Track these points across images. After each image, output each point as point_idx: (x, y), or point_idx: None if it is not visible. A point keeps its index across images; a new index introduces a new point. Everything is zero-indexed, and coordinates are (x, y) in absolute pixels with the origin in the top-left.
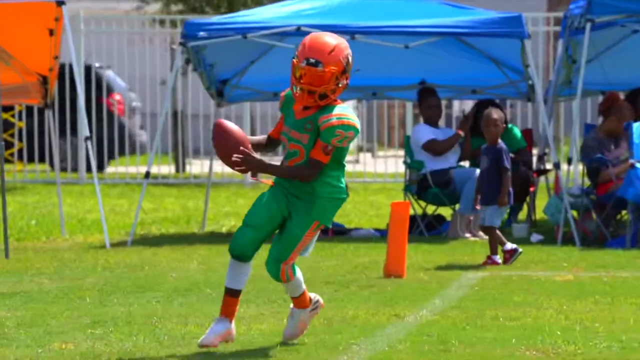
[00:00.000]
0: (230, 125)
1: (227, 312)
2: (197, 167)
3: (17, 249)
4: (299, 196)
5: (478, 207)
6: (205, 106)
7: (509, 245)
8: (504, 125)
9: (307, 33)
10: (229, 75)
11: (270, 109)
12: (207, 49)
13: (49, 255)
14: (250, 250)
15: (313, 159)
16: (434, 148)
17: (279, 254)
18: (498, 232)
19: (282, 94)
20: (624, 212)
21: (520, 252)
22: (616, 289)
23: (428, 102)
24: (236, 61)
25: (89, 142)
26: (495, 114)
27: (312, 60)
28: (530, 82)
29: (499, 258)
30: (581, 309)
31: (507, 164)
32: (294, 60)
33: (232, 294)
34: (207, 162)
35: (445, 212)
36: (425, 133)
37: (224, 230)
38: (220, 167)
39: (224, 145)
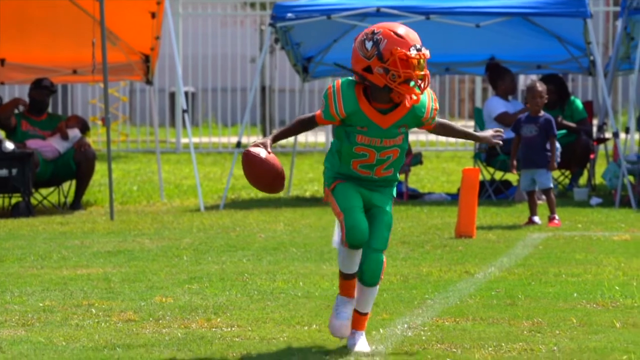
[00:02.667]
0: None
1: (350, 292)
2: None
3: (120, 212)
4: (385, 184)
5: (514, 172)
6: (291, 81)
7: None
8: (546, 97)
9: (387, 14)
10: (314, 52)
11: None
12: (294, 29)
13: (150, 218)
14: (368, 234)
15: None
16: (506, 120)
17: (380, 244)
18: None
19: (338, 111)
20: None
21: (539, 223)
22: None
23: (503, 77)
24: (320, 40)
25: (186, 115)
26: (540, 86)
27: (420, 46)
28: (591, 57)
29: (538, 219)
30: (638, 266)
31: (555, 132)
32: (406, 53)
33: (350, 277)
34: None
35: (512, 177)
36: (498, 106)
37: (307, 194)
38: (304, 137)
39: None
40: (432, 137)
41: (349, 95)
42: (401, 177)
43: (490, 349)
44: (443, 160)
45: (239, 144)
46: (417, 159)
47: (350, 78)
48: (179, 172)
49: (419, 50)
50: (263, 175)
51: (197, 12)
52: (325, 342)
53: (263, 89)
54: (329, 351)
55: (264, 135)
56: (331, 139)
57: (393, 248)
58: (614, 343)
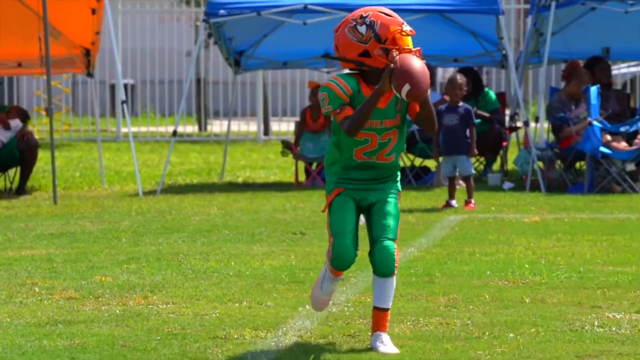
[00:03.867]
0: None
1: (339, 274)
2: (217, 126)
3: (63, 197)
4: (387, 177)
5: (437, 159)
6: (224, 74)
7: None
8: (466, 89)
9: (314, 11)
10: (245, 47)
11: (280, 76)
12: (226, 25)
13: (91, 202)
14: (353, 261)
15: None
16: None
17: (386, 233)
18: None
19: (345, 90)
20: (582, 162)
21: (455, 206)
22: (575, 228)
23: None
24: (251, 35)
25: (125, 105)
26: (460, 79)
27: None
28: (503, 52)
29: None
30: (546, 246)
31: (475, 121)
32: (402, 29)
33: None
34: (225, 122)
35: (431, 163)
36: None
37: (239, 180)
38: (237, 127)
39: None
40: None
41: (348, 79)
42: None
43: (409, 323)
44: None
45: (174, 133)
46: None
47: (342, 73)
48: (119, 160)
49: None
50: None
51: (135, 9)
52: (254, 318)
53: (198, 81)
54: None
55: (199, 124)
56: (262, 128)
57: (319, 229)
58: (523, 317)
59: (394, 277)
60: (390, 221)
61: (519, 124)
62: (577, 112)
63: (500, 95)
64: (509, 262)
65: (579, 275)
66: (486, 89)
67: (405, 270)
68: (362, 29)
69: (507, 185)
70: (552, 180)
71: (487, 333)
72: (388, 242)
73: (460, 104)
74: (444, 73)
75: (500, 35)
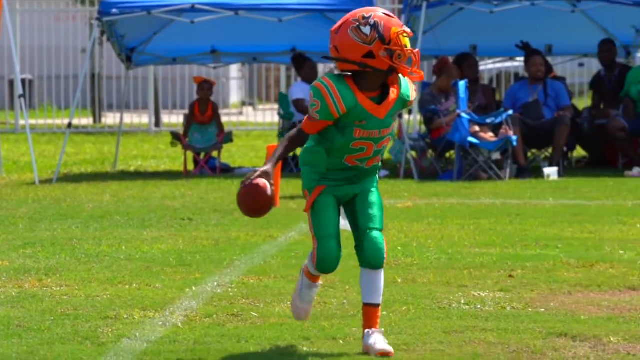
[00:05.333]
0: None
1: (316, 280)
2: (110, 118)
3: None
4: (369, 173)
5: None
6: (117, 69)
7: None
8: None
9: (201, 10)
10: (136, 44)
11: (170, 72)
12: (118, 23)
13: None
14: (337, 264)
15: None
16: (299, 106)
17: (377, 222)
18: None
19: (339, 108)
20: (452, 152)
21: None
22: (445, 212)
23: (308, 65)
24: (142, 32)
25: (22, 99)
26: None
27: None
28: None
29: None
30: (417, 229)
31: None
32: (404, 31)
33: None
34: (118, 115)
35: None
36: (298, 91)
37: (132, 169)
38: (129, 119)
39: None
40: (243, 117)
41: (345, 89)
42: (214, 153)
43: (289, 302)
44: (252, 139)
45: (70, 125)
46: (228, 137)
47: (332, 73)
48: (17, 150)
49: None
50: (262, 208)
51: (33, 9)
52: (143, 299)
53: (93, 75)
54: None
55: (94, 117)
56: (153, 120)
57: (206, 215)
58: (396, 296)
59: (383, 270)
60: (376, 211)
61: None
62: (447, 105)
63: None
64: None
65: (448, 257)
66: None
67: (287, 253)
68: (367, 29)
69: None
70: (424, 169)
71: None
72: (376, 233)
73: None
74: (324, 69)
75: None
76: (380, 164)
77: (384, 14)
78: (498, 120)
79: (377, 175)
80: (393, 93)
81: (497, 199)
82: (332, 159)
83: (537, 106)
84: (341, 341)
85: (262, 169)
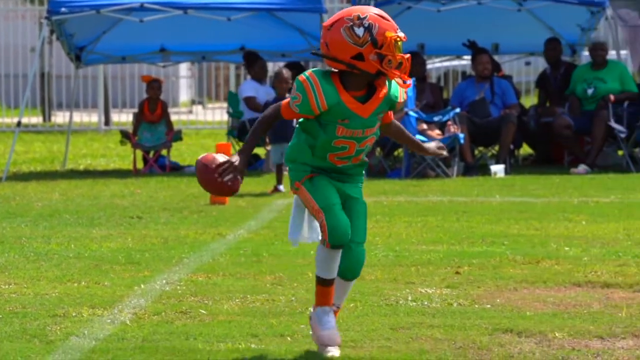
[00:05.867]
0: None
1: (329, 300)
2: (60, 117)
3: None
4: (355, 170)
5: (268, 148)
6: (67, 68)
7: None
8: (292, 82)
9: (150, 9)
10: (86, 42)
11: (119, 70)
12: (67, 22)
13: None
14: (350, 232)
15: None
16: (250, 103)
17: (361, 236)
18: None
19: (320, 104)
20: (399, 150)
21: (282, 191)
22: (393, 210)
23: (259, 63)
24: (91, 31)
25: None
26: (286, 73)
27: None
28: None
29: (283, 187)
30: (370, 226)
31: None
32: (398, 36)
33: (329, 283)
34: (68, 113)
35: (261, 151)
36: (248, 89)
37: (81, 168)
38: (79, 117)
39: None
40: (192, 116)
41: (328, 86)
42: (164, 152)
43: (237, 300)
44: (201, 137)
45: (19, 124)
46: (177, 136)
47: (317, 68)
48: None
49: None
50: (221, 191)
51: None
52: (92, 297)
53: (42, 74)
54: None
55: (44, 115)
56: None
57: (155, 213)
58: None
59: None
60: (362, 222)
61: None
62: None
63: None
64: None
65: (395, 254)
66: None
67: (235, 251)
68: (360, 31)
69: None
70: (373, 167)
71: (309, 308)
72: (360, 249)
73: (287, 95)
74: (274, 67)
75: None
76: (367, 162)
77: (380, 16)
78: (445, 119)
79: (363, 176)
80: (380, 93)
81: (445, 196)
82: (316, 157)
83: (484, 104)
84: (289, 338)
85: (236, 162)
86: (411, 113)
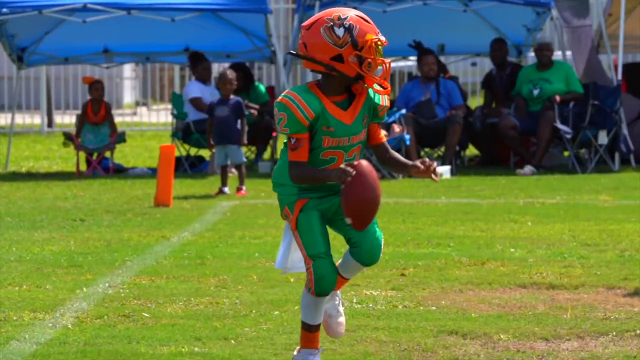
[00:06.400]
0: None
1: (315, 344)
2: (2, 119)
3: None
4: None
5: (212, 150)
6: (9, 69)
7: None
8: (236, 83)
9: (93, 10)
10: (28, 43)
11: (62, 71)
12: (9, 22)
13: None
14: (336, 281)
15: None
16: (197, 104)
17: (375, 222)
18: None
19: (307, 114)
20: None
21: (227, 193)
22: None
23: (202, 65)
24: (33, 32)
25: None
26: (230, 74)
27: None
28: (272, 48)
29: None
30: None
31: (245, 112)
32: (379, 39)
33: (315, 329)
34: (10, 115)
35: (205, 153)
36: (194, 90)
37: (23, 170)
38: (21, 119)
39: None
40: (137, 118)
41: (309, 96)
42: (107, 154)
43: (180, 303)
44: (146, 139)
45: None
46: (121, 138)
47: (298, 86)
48: None
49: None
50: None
51: None
52: (33, 301)
53: None
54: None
55: None
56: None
57: (98, 216)
58: (288, 295)
59: None
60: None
61: None
62: None
63: (270, 89)
64: (276, 245)
65: (340, 256)
66: (257, 83)
67: (179, 253)
68: (340, 31)
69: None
70: None
71: (254, 311)
72: (377, 230)
73: (231, 97)
74: (219, 68)
75: (268, 32)
76: None
77: (361, 17)
78: (391, 120)
79: None
80: (360, 98)
81: (390, 197)
82: None
83: (429, 105)
84: (233, 341)
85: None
86: None
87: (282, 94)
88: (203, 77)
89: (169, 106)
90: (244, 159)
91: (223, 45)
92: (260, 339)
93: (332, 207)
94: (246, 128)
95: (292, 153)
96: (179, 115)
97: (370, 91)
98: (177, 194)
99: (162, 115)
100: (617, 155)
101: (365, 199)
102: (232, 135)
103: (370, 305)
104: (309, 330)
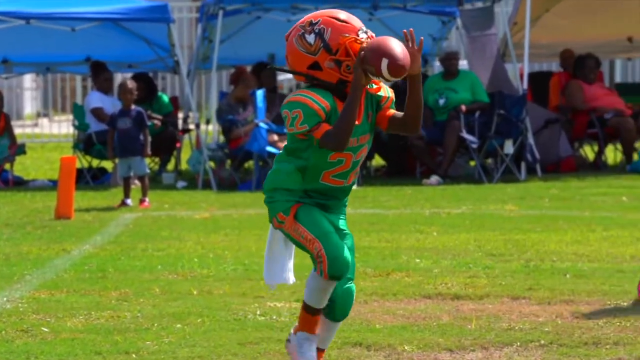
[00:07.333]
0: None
1: (314, 328)
2: None
3: None
4: (343, 195)
5: (114, 161)
6: None
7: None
8: (137, 93)
9: None
10: None
11: None
12: None
13: None
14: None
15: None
16: (98, 114)
17: (353, 272)
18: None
19: (323, 105)
20: (250, 161)
21: (130, 205)
22: (243, 223)
23: (103, 75)
24: None
25: None
26: (130, 84)
27: (365, 29)
28: (175, 58)
29: (130, 201)
30: (214, 240)
31: (147, 123)
32: (355, 38)
33: (319, 312)
34: None
35: (107, 164)
36: (95, 100)
37: None
38: None
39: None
40: (38, 129)
41: (319, 91)
42: (7, 166)
43: (81, 317)
44: (47, 150)
45: None
46: (21, 149)
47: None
48: None
49: (366, 32)
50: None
51: None
52: None
53: None
54: None
55: None
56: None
57: None
58: (191, 308)
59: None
60: (354, 258)
61: (191, 126)
62: (245, 114)
63: (174, 99)
64: (179, 257)
65: (244, 268)
66: (160, 93)
67: (80, 267)
68: (311, 38)
69: (181, 184)
70: (223, 179)
71: (156, 324)
72: (351, 285)
73: (133, 107)
74: (122, 78)
75: (171, 42)
76: (355, 182)
77: (336, 18)
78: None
79: (346, 207)
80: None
81: None
82: (308, 180)
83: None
84: (134, 355)
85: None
86: (262, 124)
87: (290, 95)
88: (104, 87)
89: (71, 117)
90: (147, 170)
91: (125, 55)
92: (162, 353)
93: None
94: (149, 139)
95: (317, 133)
96: (80, 126)
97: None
98: (79, 206)
99: (63, 127)
100: (523, 165)
101: (384, 40)
102: (134, 146)
103: (274, 317)
104: (312, 314)
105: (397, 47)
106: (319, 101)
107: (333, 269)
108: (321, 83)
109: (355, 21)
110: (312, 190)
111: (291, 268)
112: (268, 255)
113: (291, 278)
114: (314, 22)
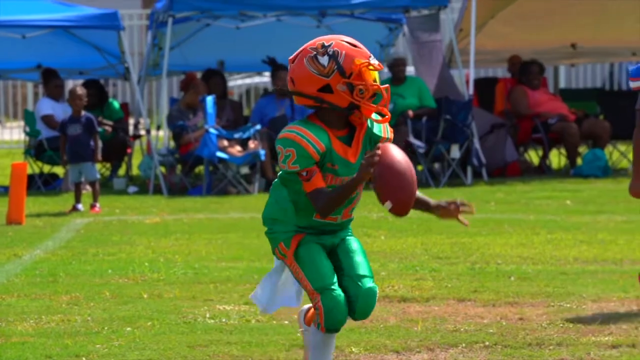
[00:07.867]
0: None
1: None
2: None
3: None
4: (344, 227)
5: (66, 167)
6: None
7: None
8: (87, 99)
9: None
10: None
11: None
12: None
13: None
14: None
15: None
16: (48, 121)
17: (369, 269)
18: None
19: (318, 147)
20: (201, 167)
21: (81, 210)
22: (193, 227)
23: (54, 82)
24: None
25: None
26: (80, 90)
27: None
28: (126, 65)
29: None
30: (165, 245)
31: (98, 129)
32: (369, 63)
33: None
34: None
35: (59, 170)
36: (46, 107)
37: None
38: None
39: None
40: None
41: (315, 129)
42: None
43: (32, 321)
44: None
45: None
46: None
47: (298, 120)
48: None
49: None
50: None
51: None
52: None
53: None
54: None
55: None
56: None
57: None
58: (141, 312)
59: None
60: (363, 257)
61: (142, 132)
62: (195, 120)
63: (124, 105)
64: (130, 261)
65: (194, 271)
66: (110, 100)
67: (31, 271)
68: (324, 60)
69: (132, 189)
70: (173, 184)
71: (106, 328)
72: (373, 286)
73: (83, 113)
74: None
75: (122, 49)
76: (353, 218)
77: (348, 42)
78: (246, 135)
79: (350, 228)
80: (361, 131)
81: (246, 213)
82: (301, 215)
83: (284, 121)
84: (84, 358)
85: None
86: (211, 130)
87: (286, 129)
88: (55, 94)
89: (22, 123)
90: (98, 176)
91: (76, 62)
92: (112, 356)
93: (328, 243)
94: (100, 144)
95: (308, 184)
96: (31, 132)
97: (370, 122)
98: (30, 211)
99: (15, 133)
100: (469, 169)
101: (399, 182)
102: (85, 152)
103: (224, 320)
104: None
105: (409, 194)
106: (315, 143)
107: (330, 320)
108: (330, 106)
109: (364, 47)
110: (306, 227)
111: (298, 290)
112: (270, 281)
113: (295, 299)
114: (326, 44)
